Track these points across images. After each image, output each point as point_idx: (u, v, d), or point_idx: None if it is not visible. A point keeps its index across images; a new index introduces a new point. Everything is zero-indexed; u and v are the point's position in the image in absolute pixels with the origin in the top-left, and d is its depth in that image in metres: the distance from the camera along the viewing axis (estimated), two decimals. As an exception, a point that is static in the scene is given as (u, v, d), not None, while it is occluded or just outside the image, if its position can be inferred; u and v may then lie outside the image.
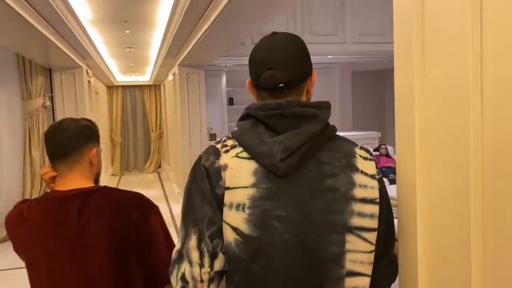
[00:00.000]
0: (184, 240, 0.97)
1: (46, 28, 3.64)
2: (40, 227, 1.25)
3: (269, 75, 0.98)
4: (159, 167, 11.54)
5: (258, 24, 3.81)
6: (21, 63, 5.44)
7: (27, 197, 5.21)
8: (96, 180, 1.36)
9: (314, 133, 0.94)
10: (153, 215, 1.30)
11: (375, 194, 0.97)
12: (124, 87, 11.22)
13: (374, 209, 0.96)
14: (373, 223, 0.96)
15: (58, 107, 5.73)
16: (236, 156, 0.97)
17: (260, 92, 1.03)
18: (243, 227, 0.93)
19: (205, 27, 3.80)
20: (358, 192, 0.95)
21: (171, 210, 6.92)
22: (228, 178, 0.95)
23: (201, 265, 0.94)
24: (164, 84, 9.87)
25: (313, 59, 1.05)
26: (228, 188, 0.95)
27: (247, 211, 0.93)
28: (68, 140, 1.28)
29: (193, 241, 0.95)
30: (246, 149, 0.97)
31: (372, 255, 0.97)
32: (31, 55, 5.11)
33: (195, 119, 6.23)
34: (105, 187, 1.32)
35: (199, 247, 0.94)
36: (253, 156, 0.96)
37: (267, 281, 0.94)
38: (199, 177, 0.98)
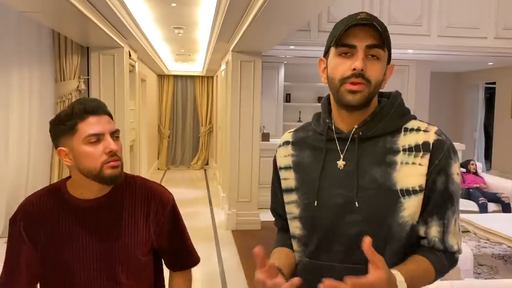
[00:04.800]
0: None
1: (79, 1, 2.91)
2: None
3: None
4: (207, 164, 10.84)
5: (325, 1, 3.27)
6: (56, 40, 4.80)
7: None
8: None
9: None
10: None
11: None
12: (176, 77, 10.59)
13: None
14: None
15: (94, 91, 5.03)
16: None
17: None
18: None
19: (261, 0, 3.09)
20: None
21: (214, 217, 6.09)
22: None
23: None
24: (216, 76, 9.09)
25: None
26: None
27: None
28: None
29: None
30: None
31: None
32: (66, 30, 4.45)
33: (246, 115, 5.31)
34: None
35: None
36: None
37: None
38: None
